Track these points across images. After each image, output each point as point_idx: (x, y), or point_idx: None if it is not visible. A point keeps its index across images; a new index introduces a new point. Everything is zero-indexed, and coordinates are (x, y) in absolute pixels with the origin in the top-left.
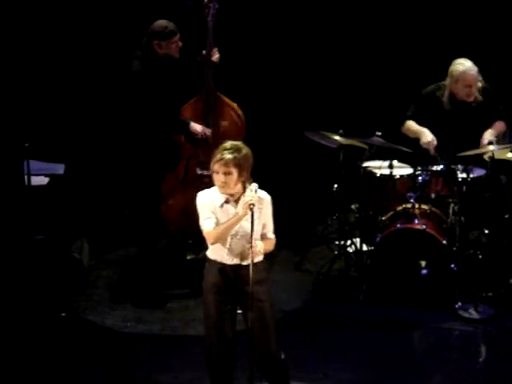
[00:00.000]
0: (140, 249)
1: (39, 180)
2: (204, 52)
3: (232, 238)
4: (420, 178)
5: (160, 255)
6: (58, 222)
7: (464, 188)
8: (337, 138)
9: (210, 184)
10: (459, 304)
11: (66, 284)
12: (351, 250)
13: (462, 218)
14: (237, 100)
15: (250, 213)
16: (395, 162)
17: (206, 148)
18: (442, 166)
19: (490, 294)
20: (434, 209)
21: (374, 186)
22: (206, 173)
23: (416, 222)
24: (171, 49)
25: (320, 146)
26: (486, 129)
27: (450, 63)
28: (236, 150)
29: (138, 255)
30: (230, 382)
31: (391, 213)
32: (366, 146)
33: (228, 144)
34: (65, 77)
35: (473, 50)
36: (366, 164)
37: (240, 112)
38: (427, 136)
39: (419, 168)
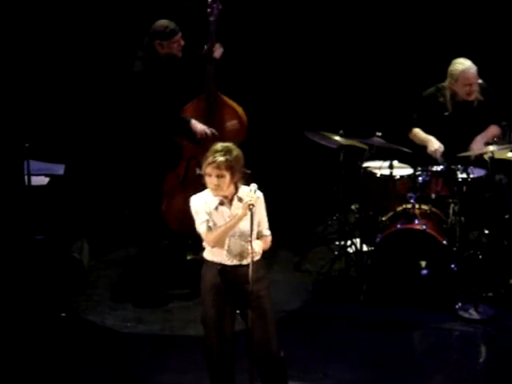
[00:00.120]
0: (140, 249)
1: (39, 180)
2: (206, 47)
3: (230, 239)
4: (420, 178)
5: (161, 255)
6: (58, 222)
7: (464, 188)
8: (337, 138)
9: None
10: (459, 304)
11: (66, 284)
12: (351, 251)
13: (462, 218)
14: (237, 100)
15: (249, 213)
16: (395, 163)
17: (206, 148)
18: (442, 167)
19: (490, 294)
20: (434, 209)
21: (374, 187)
22: None
23: (416, 222)
24: (173, 48)
25: (320, 147)
26: (486, 128)
27: (449, 64)
28: (227, 151)
29: (139, 255)
30: (231, 382)
31: (391, 213)
32: (366, 147)
33: (219, 146)
34: (65, 77)
35: (472, 50)
36: (366, 164)
37: (242, 113)
38: (434, 144)
39: (419, 168)
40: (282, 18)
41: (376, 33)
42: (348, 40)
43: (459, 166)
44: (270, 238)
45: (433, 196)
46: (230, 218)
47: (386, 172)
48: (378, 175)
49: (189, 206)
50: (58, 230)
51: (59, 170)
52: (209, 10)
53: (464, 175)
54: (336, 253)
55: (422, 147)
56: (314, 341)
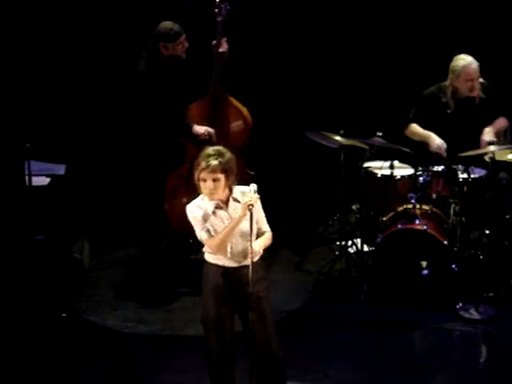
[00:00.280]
0: (141, 249)
1: (40, 180)
2: (213, 46)
3: (232, 241)
4: (421, 178)
5: (162, 255)
6: (59, 222)
7: (465, 188)
8: (338, 138)
9: None
10: (460, 304)
11: (67, 284)
12: (352, 251)
13: (463, 218)
14: (238, 100)
15: (248, 213)
16: (396, 163)
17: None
18: (442, 167)
19: (490, 294)
20: (434, 209)
21: (374, 187)
22: None
23: (417, 222)
24: (177, 50)
25: (321, 147)
26: (491, 123)
27: (450, 63)
28: (219, 154)
29: (140, 255)
30: (231, 383)
31: (392, 213)
32: (366, 147)
33: (210, 150)
34: (66, 77)
35: (473, 50)
36: (366, 164)
37: (247, 114)
38: (435, 140)
39: (420, 168)
40: (283, 19)
41: (377, 33)
42: (349, 40)
43: (460, 166)
44: (270, 234)
45: (434, 196)
46: (228, 221)
47: (387, 172)
48: (379, 175)
49: None
50: (59, 230)
51: (60, 170)
52: (216, 10)
53: (465, 175)
54: (337, 253)
55: (423, 147)
56: (315, 341)
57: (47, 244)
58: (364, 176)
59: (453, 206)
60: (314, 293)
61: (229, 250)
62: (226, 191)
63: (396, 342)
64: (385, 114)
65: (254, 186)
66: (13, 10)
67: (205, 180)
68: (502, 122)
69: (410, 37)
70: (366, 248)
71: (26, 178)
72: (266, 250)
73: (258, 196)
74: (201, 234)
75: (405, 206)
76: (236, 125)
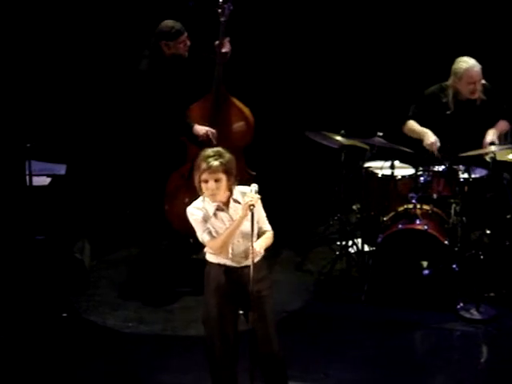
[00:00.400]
0: (142, 249)
1: (41, 180)
2: (216, 43)
3: (233, 241)
4: (422, 178)
5: (162, 255)
6: (60, 222)
7: (466, 188)
8: (338, 138)
9: None
10: (461, 304)
11: (68, 284)
12: (353, 251)
13: (464, 218)
14: (239, 100)
15: (249, 214)
16: (397, 163)
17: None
18: (443, 167)
19: (491, 294)
20: (435, 209)
21: (375, 187)
22: None
23: (418, 222)
24: (179, 48)
25: (321, 147)
26: (489, 128)
27: (451, 63)
28: (219, 155)
29: (140, 256)
30: (233, 383)
31: (393, 213)
32: (367, 147)
33: (210, 151)
34: (67, 76)
35: (474, 50)
36: (367, 164)
37: (249, 115)
38: (430, 137)
39: (421, 168)
40: (283, 19)
41: (378, 33)
42: (349, 40)
43: (461, 166)
44: (271, 233)
45: (434, 196)
46: (229, 222)
47: (388, 172)
48: (380, 175)
49: None
50: (60, 230)
51: (61, 170)
52: (220, 10)
53: (466, 175)
54: (337, 253)
55: (424, 148)
56: (315, 341)
57: (48, 244)
58: (365, 176)
59: (453, 205)
60: (314, 293)
61: (230, 250)
62: (227, 192)
63: (397, 342)
64: (385, 114)
65: (254, 186)
66: (13, 9)
67: (206, 181)
68: (503, 125)
69: (410, 37)
70: (366, 248)
71: (27, 177)
72: (267, 250)
73: (259, 196)
74: (202, 237)
75: (405, 206)
76: (238, 125)
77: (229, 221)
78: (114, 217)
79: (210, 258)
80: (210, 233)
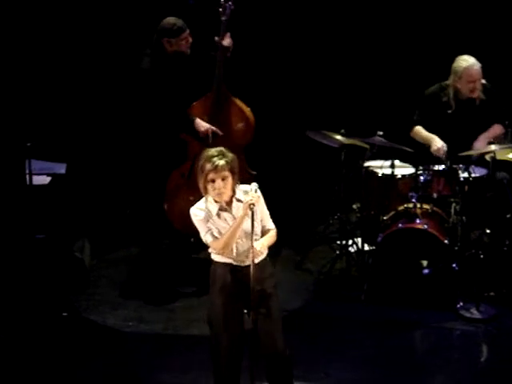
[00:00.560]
0: (142, 248)
1: (41, 179)
2: (217, 38)
3: (237, 241)
4: (422, 177)
5: (163, 254)
6: (60, 221)
7: (466, 188)
8: (338, 137)
9: None
10: (461, 304)
11: (68, 283)
12: (353, 250)
13: (464, 217)
14: (240, 100)
15: (250, 213)
16: (397, 162)
17: (211, 147)
18: (443, 166)
19: (491, 293)
20: (435, 208)
21: (375, 186)
22: None
23: (417, 221)
24: (181, 46)
25: (322, 146)
26: (489, 128)
27: (451, 63)
28: (223, 154)
29: (141, 255)
30: (236, 382)
31: (393, 212)
32: (367, 146)
33: (213, 151)
34: (67, 75)
35: (474, 49)
36: (367, 164)
37: (250, 115)
38: (437, 143)
39: (421, 168)
40: (284, 18)
41: (377, 32)
42: (349, 39)
43: (461, 166)
44: (274, 231)
45: (434, 195)
46: (232, 222)
47: (388, 171)
48: (380, 174)
49: (193, 205)
50: (60, 229)
51: (61, 169)
52: (221, 9)
53: (466, 174)
54: (337, 252)
55: (424, 147)
56: (315, 340)
57: (48, 243)
58: (365, 175)
59: (453, 205)
60: (314, 292)
61: (234, 250)
62: (230, 192)
63: (396, 342)
64: (385, 113)
65: (254, 185)
66: (13, 8)
67: (213, 181)
68: (497, 129)
69: (410, 36)
70: (366, 247)
71: (27, 176)
72: (269, 248)
73: (259, 195)
74: (206, 237)
75: (405, 205)
76: (238, 124)
77: (232, 220)
78: (114, 216)
79: (216, 257)
80: (212, 233)
